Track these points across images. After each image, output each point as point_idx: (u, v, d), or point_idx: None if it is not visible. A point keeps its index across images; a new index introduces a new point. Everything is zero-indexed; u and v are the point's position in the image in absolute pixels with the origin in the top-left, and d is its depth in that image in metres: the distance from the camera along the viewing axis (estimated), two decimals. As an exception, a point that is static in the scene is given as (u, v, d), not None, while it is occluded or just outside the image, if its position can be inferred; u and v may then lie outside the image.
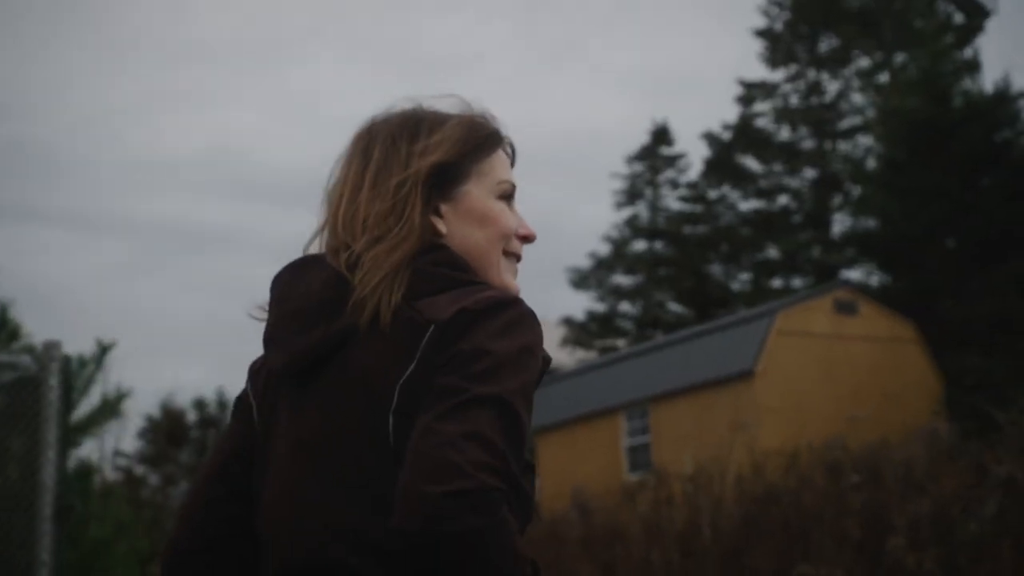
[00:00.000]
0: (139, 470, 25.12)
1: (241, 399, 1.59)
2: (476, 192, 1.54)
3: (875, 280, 23.19)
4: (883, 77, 25.75)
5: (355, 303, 1.42)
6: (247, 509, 1.52)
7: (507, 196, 1.57)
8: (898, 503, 7.73)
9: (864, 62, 26.73)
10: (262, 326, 1.53)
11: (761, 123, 26.53)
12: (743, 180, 26.18)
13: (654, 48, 47.60)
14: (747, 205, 26.22)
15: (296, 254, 1.55)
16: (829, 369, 16.72)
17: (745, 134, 25.89)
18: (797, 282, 24.94)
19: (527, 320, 1.41)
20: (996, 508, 7.31)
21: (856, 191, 24.47)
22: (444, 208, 1.52)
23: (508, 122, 1.62)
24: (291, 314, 1.48)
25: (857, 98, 26.78)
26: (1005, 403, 14.90)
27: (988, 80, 23.19)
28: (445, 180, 1.52)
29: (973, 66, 24.20)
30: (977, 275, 19.22)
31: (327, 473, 1.42)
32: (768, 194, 26.08)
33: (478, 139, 1.55)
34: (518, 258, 1.59)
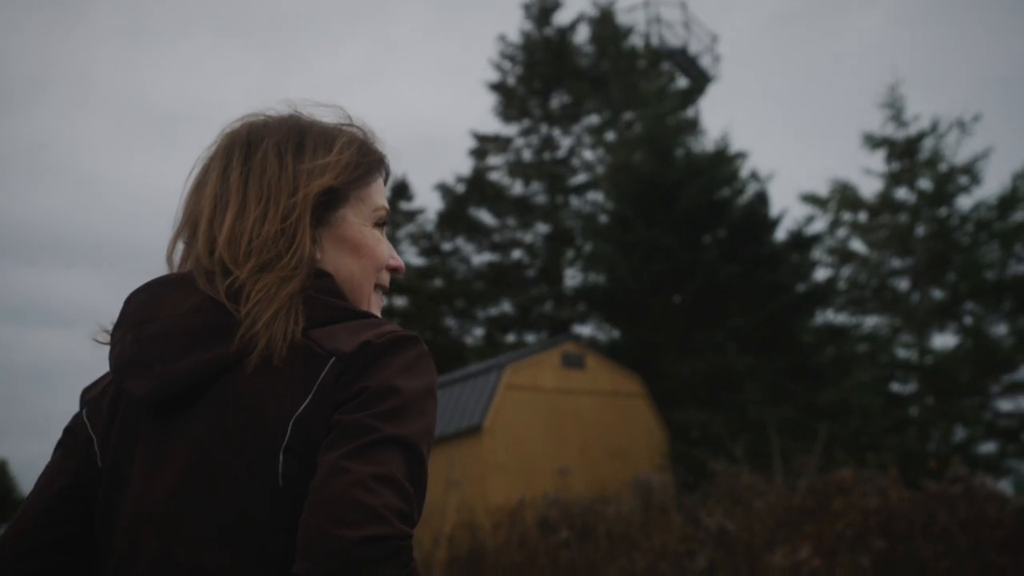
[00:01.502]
0: None
1: (72, 430, 1.43)
2: (353, 219, 1.45)
3: (605, 335, 23.46)
4: (611, 135, 26.34)
5: (246, 335, 1.30)
6: (78, 558, 1.36)
7: (381, 224, 1.50)
8: (608, 559, 7.34)
9: (594, 119, 27.28)
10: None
11: (495, 176, 26.54)
12: (477, 233, 26.03)
13: (398, 102, 47.48)
14: (481, 259, 26.07)
15: None
16: (556, 423, 16.51)
17: (478, 187, 25.79)
18: (530, 337, 24.92)
19: (427, 360, 1.35)
20: (707, 561, 7.03)
21: (588, 247, 24.80)
22: (320, 232, 1.42)
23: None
24: (156, 337, 1.33)
25: (588, 154, 27.28)
26: (722, 455, 15.15)
27: (710, 141, 23.97)
28: (327, 205, 1.42)
29: (693, 125, 25.12)
30: (699, 331, 19.65)
31: (202, 518, 1.26)
32: (502, 248, 26.02)
33: (366, 164, 1.47)
34: (385, 290, 1.51)
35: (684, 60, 27.19)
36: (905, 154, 20.71)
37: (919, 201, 20.20)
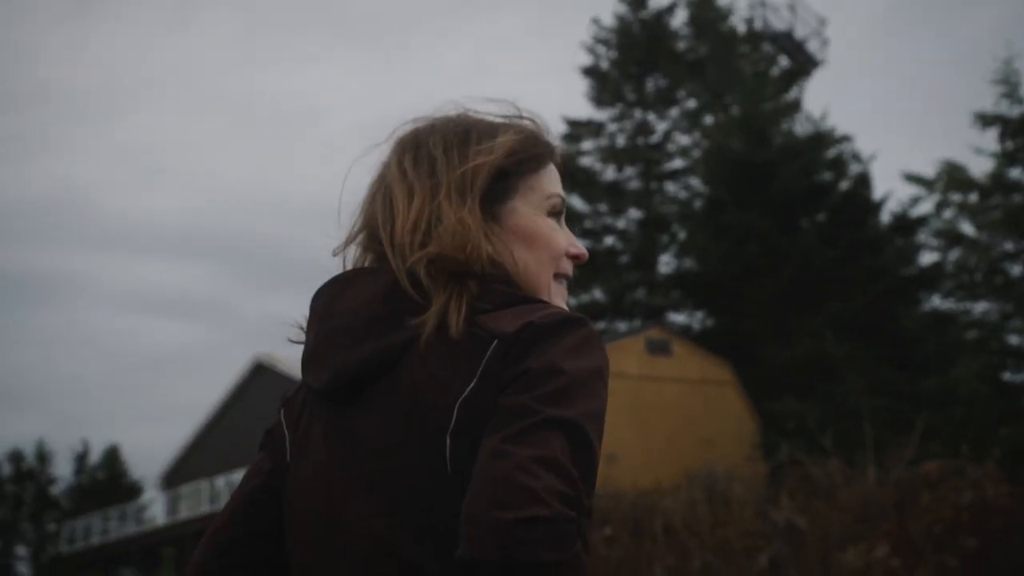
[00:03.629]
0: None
1: (271, 432, 1.48)
2: (523, 209, 1.45)
3: (698, 323, 22.74)
4: (709, 119, 25.55)
5: (416, 323, 1.33)
6: (274, 550, 1.42)
7: (557, 212, 1.49)
8: (659, 555, 6.79)
9: (691, 103, 26.52)
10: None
11: (587, 162, 25.99)
12: (569, 219, 25.52)
13: (479, 84, 47.28)
14: (572, 245, 25.52)
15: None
16: (640, 412, 15.93)
17: (570, 173, 25.30)
18: (623, 325, 24.31)
19: (596, 341, 1.32)
20: (768, 560, 6.44)
21: (683, 233, 24.11)
22: (491, 226, 1.42)
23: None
24: (336, 331, 1.37)
25: (683, 139, 26.54)
26: (816, 447, 14.33)
27: (811, 123, 23.02)
28: (495, 197, 1.43)
29: (795, 108, 24.20)
30: (795, 317, 18.84)
31: (375, 498, 1.31)
32: (594, 234, 25.47)
33: (532, 151, 1.46)
34: (568, 279, 1.49)
35: (789, 44, 26.27)
36: (1020, 132, 19.49)
37: (1034, 181, 19.00)
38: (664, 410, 16.27)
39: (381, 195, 1.44)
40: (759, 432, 17.03)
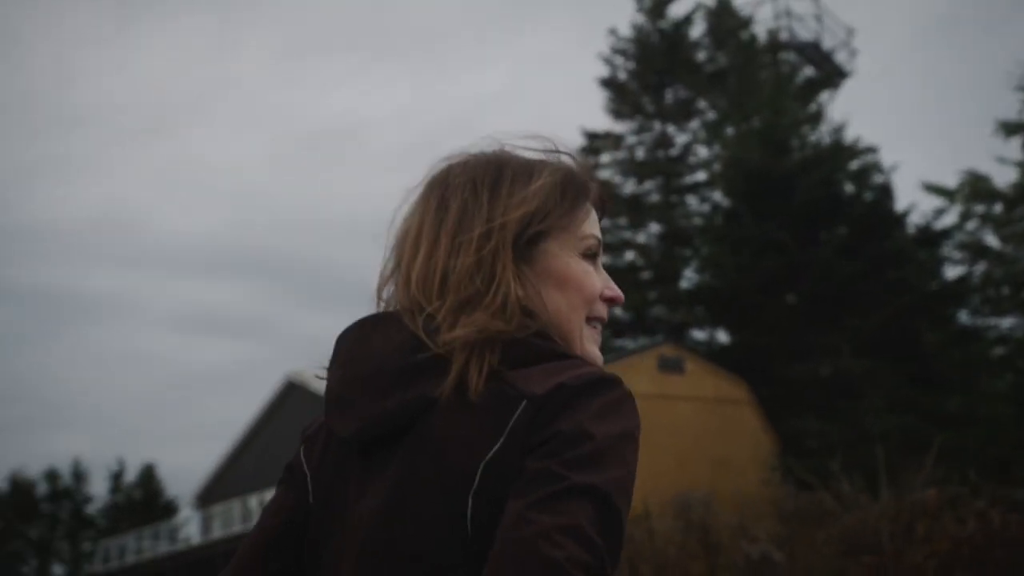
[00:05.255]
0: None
1: (293, 467, 1.45)
2: (557, 250, 1.38)
3: (720, 340, 22.24)
4: (730, 130, 25.08)
5: (440, 371, 1.29)
6: None
7: (592, 255, 1.42)
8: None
9: (711, 115, 26.07)
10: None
11: (606, 175, 25.61)
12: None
13: (517, 101, 47.02)
14: (591, 261, 25.12)
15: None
16: (651, 432, 15.49)
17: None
18: (633, 343, 23.85)
19: (629, 403, 1.28)
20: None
21: (705, 247, 23.65)
22: (523, 268, 1.37)
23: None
24: (363, 377, 1.33)
25: (704, 151, 26.09)
26: (829, 471, 13.78)
27: (832, 133, 22.49)
28: (529, 240, 1.37)
29: (817, 118, 23.70)
30: (815, 333, 18.32)
31: (395, 555, 1.27)
32: (614, 249, 25.07)
33: (569, 192, 1.40)
34: (603, 322, 1.43)
35: (816, 54, 25.80)
36: (1045, 139, 18.90)
37: (1061, 190, 18.38)
38: (676, 430, 15.81)
39: (408, 235, 1.42)
40: (776, 453, 16.51)
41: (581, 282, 1.39)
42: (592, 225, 1.44)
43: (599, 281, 1.43)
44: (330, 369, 1.40)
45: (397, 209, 1.46)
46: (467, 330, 1.29)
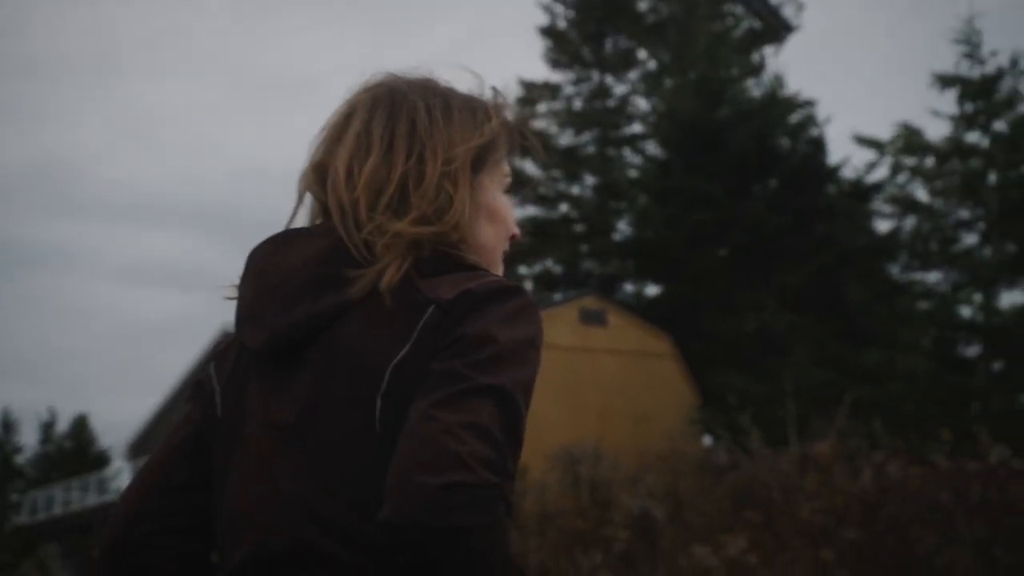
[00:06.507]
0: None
1: (202, 383, 1.46)
2: (489, 185, 1.43)
3: (651, 293, 21.98)
4: (669, 82, 24.70)
5: (357, 285, 1.31)
6: (202, 500, 1.40)
7: (508, 191, 1.49)
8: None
9: (651, 65, 25.67)
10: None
11: (541, 125, 25.14)
12: (521, 185, 24.74)
13: (424, 47, 46.38)
14: (524, 212, 24.76)
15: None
16: (572, 386, 15.18)
17: (527, 146, 24.42)
18: (556, 295, 23.55)
19: (532, 310, 1.31)
20: (604, 557, 5.64)
21: (641, 199, 23.33)
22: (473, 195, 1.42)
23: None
24: (273, 289, 1.35)
25: (643, 103, 25.71)
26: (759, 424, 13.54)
27: (768, 86, 22.17)
28: (473, 167, 1.41)
29: (756, 71, 23.38)
30: (743, 287, 18.09)
31: (306, 459, 1.30)
32: (548, 201, 24.67)
33: (512, 135, 1.46)
34: (504, 258, 1.49)
35: (763, 7, 25.41)
36: (980, 94, 18.69)
37: (992, 146, 18.19)
38: (597, 383, 15.53)
39: (345, 141, 1.39)
40: (697, 407, 16.31)
41: (507, 217, 1.44)
42: (509, 163, 1.49)
43: (513, 218, 1.48)
44: (241, 285, 1.40)
45: (335, 108, 1.45)
46: (398, 237, 1.30)
